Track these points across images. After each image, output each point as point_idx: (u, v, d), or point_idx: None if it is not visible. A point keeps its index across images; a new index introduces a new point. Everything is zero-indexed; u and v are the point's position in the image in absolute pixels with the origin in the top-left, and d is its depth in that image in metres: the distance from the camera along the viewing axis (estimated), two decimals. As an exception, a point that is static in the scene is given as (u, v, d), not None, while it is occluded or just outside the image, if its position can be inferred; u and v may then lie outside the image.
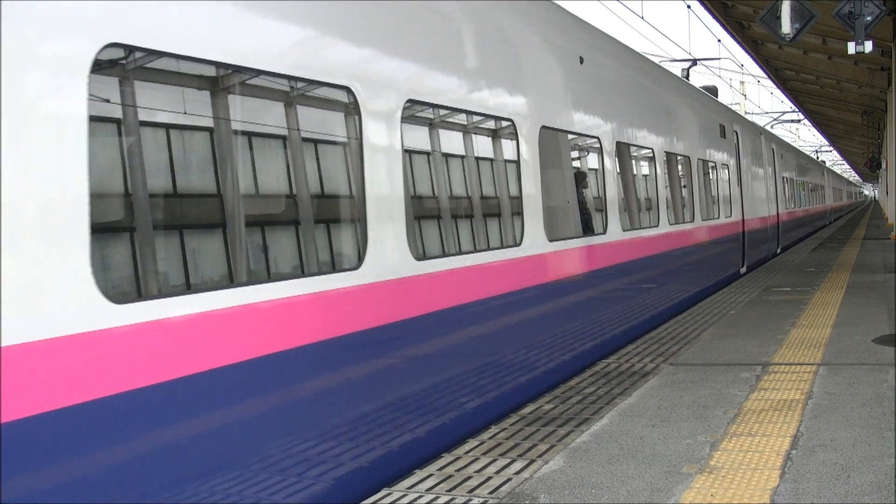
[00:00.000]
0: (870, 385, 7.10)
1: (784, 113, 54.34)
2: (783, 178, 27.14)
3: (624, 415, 6.47)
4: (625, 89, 11.34)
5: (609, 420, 6.33)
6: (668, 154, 12.90)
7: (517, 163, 7.65)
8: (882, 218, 52.06)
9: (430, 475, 5.27)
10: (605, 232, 9.87)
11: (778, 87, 39.13)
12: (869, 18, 12.88)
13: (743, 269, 18.65)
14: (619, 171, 10.56)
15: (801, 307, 11.93)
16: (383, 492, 5.00)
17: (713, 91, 21.77)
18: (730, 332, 10.13)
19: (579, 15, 10.14)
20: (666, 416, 6.40)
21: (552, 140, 8.49)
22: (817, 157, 68.99)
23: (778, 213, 24.76)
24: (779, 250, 24.38)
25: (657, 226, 12.06)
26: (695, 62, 26.26)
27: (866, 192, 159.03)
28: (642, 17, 23.60)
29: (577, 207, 9.25)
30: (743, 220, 18.74)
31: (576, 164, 9.46)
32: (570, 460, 5.40)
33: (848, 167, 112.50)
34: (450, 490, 4.97)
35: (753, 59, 30.73)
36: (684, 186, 13.98)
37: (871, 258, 20.23)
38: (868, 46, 13.10)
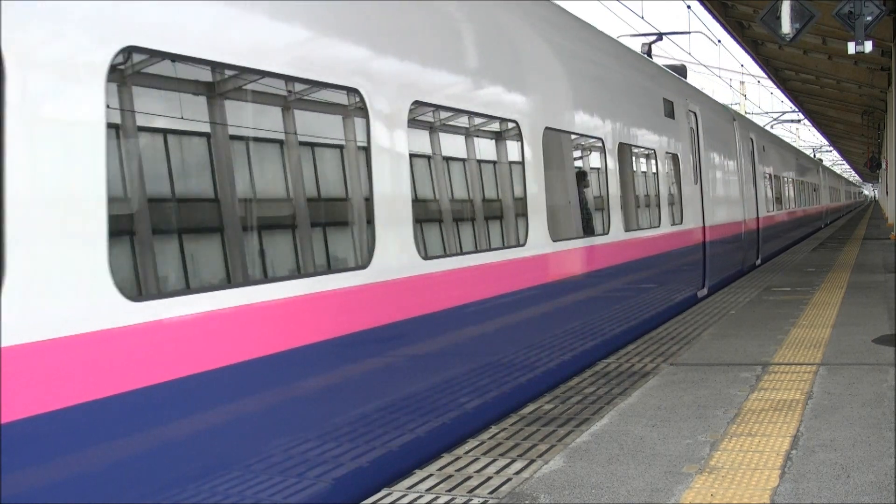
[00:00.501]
0: (870, 385, 7.10)
1: (784, 113, 54.41)
2: (767, 174, 23.40)
3: (624, 415, 6.47)
4: (453, 19, 6.97)
5: (609, 420, 6.33)
6: (551, 133, 8.37)
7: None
8: (882, 218, 52.08)
9: (430, 475, 5.27)
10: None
11: (778, 87, 39.19)
12: (869, 18, 12.89)
13: (703, 291, 14.56)
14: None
15: (801, 307, 11.94)
16: (383, 492, 5.01)
17: (681, 71, 17.17)
18: (730, 332, 10.13)
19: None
20: (666, 416, 6.40)
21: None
22: (814, 156, 67.77)
23: (758, 217, 20.81)
24: (759, 261, 20.81)
25: (523, 244, 7.67)
26: (660, 37, 22.26)
27: (866, 192, 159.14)
28: (642, 17, 23.61)
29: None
30: (704, 228, 14.63)
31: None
32: (570, 460, 5.40)
33: (848, 167, 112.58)
34: (450, 490, 4.97)
35: (753, 59, 30.77)
36: (587, 183, 9.54)
37: (871, 258, 20.24)
38: (868, 46, 13.12)
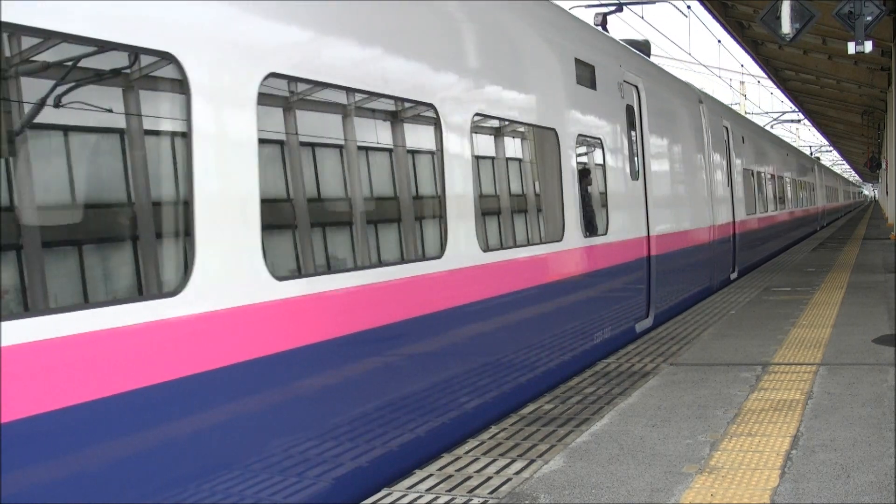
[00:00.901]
0: (870, 385, 7.10)
1: (784, 113, 54.44)
2: (747, 170, 19.78)
3: (624, 415, 6.48)
4: None
5: (609, 420, 6.33)
6: (292, 85, 4.93)
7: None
8: (882, 218, 52.08)
9: (430, 475, 5.27)
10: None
11: (778, 87, 39.19)
12: (869, 18, 12.91)
13: (647, 322, 11.16)
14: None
15: (801, 307, 11.93)
16: (383, 492, 5.01)
17: (644, 47, 13.96)
18: (730, 332, 10.13)
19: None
20: (666, 416, 6.40)
21: None
22: (811, 154, 66.78)
23: (734, 222, 17.46)
24: (735, 275, 17.61)
25: (174, 294, 4.04)
26: (620, 7, 17.20)
27: (866, 192, 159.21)
28: (642, 17, 23.61)
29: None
30: (649, 238, 11.30)
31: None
32: (570, 460, 5.40)
33: (848, 167, 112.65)
34: (450, 490, 4.97)
35: (753, 59, 30.76)
36: (398, 178, 5.96)
37: (871, 258, 20.24)
38: (868, 46, 13.13)
